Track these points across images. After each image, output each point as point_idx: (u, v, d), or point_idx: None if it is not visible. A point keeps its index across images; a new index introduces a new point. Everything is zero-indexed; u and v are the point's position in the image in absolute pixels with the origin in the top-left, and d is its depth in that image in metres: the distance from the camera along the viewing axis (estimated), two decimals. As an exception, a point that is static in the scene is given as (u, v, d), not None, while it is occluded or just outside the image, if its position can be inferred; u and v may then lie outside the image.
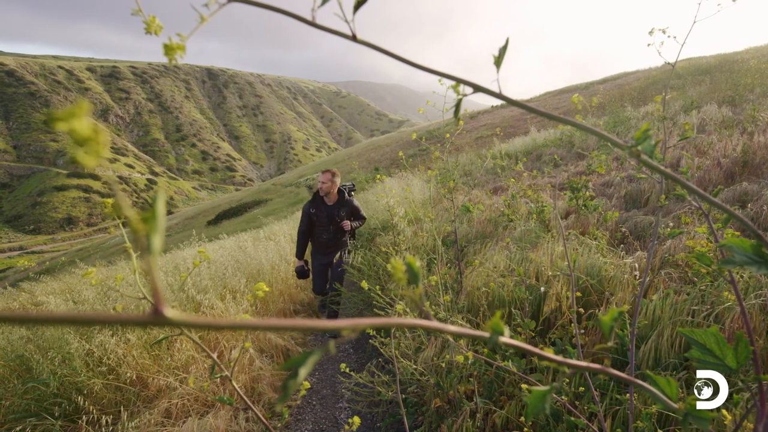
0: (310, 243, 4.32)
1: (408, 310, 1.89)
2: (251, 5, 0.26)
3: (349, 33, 0.27)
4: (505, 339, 0.22)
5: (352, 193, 4.36)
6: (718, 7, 1.11)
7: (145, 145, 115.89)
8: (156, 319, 0.16)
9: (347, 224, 4.09)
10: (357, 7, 0.26)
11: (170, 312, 0.16)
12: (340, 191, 4.15)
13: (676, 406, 0.29)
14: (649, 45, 1.07)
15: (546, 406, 0.23)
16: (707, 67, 16.08)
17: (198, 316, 0.17)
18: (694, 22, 1.09)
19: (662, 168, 0.30)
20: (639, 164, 0.31)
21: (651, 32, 1.05)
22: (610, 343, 0.25)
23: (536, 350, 0.24)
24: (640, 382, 0.29)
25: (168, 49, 0.27)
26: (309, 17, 0.26)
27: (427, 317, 0.22)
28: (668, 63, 1.08)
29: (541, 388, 0.24)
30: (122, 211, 0.17)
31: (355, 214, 4.22)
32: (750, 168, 5.28)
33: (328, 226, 4.11)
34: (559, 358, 0.24)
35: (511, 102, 0.32)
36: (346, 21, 0.26)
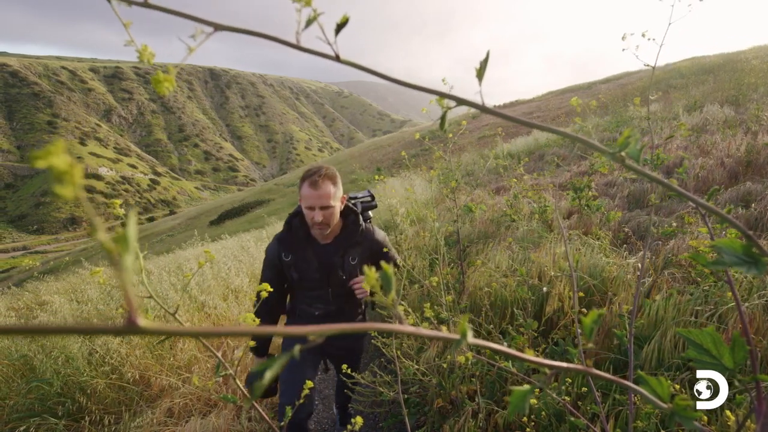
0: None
1: (410, 310, 1.89)
2: (241, 33, 0.27)
3: (333, 54, 0.28)
4: (472, 340, 0.22)
5: (370, 215, 2.29)
6: (688, 8, 1.10)
7: (147, 145, 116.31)
8: (129, 328, 0.17)
9: (361, 286, 1.86)
10: (338, 30, 0.28)
11: (143, 321, 0.17)
12: (348, 212, 2.01)
13: (666, 406, 0.29)
14: (623, 50, 1.07)
15: (527, 406, 0.24)
16: (710, 67, 16.02)
17: (169, 325, 0.19)
18: (669, 23, 1.08)
19: (648, 172, 0.31)
20: (626, 168, 0.31)
21: (623, 38, 1.04)
22: (590, 345, 0.26)
23: (510, 351, 0.24)
24: (625, 382, 0.29)
25: (156, 82, 0.28)
26: (293, 40, 0.27)
27: (400, 321, 0.23)
28: (647, 65, 1.08)
29: (523, 387, 0.25)
30: (96, 233, 0.18)
31: (380, 260, 1.58)
32: (754, 168, 5.26)
33: (325, 289, 1.99)
34: (537, 358, 0.24)
35: (489, 111, 0.33)
36: (329, 43, 0.27)
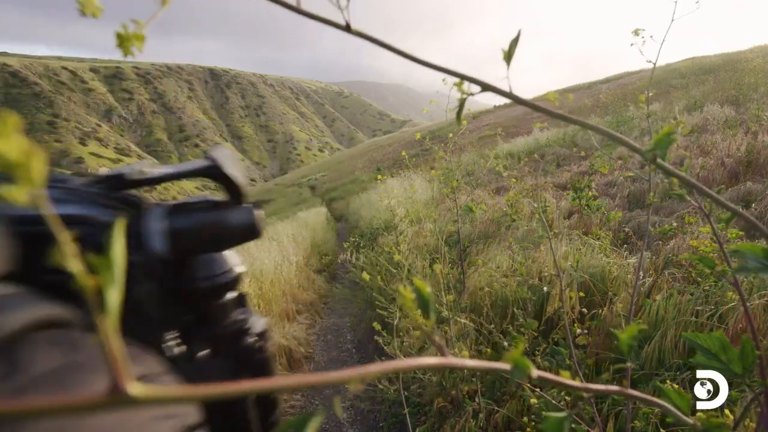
0: None
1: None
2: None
3: (342, 22, 0.22)
4: (537, 373, 0.19)
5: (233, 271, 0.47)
6: (696, 4, 1.10)
7: (148, 145, 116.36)
8: (115, 399, 0.11)
9: None
10: None
11: (136, 388, 0.11)
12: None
13: (690, 420, 0.27)
14: (632, 45, 1.07)
15: (563, 435, 0.21)
16: (711, 66, 15.99)
17: (174, 389, 0.12)
18: (672, 20, 1.08)
19: (677, 172, 0.29)
20: (651, 167, 0.30)
21: (636, 32, 1.04)
22: (629, 364, 0.23)
23: (559, 379, 0.21)
24: (648, 397, 0.27)
25: (122, 40, 0.19)
26: (294, 4, 0.22)
27: (442, 353, 0.18)
28: (649, 62, 1.08)
29: (559, 414, 0.22)
30: (64, 262, 0.11)
31: None
32: (754, 168, 5.25)
33: None
34: (580, 384, 0.22)
35: (523, 103, 0.28)
36: (339, 8, 0.22)
